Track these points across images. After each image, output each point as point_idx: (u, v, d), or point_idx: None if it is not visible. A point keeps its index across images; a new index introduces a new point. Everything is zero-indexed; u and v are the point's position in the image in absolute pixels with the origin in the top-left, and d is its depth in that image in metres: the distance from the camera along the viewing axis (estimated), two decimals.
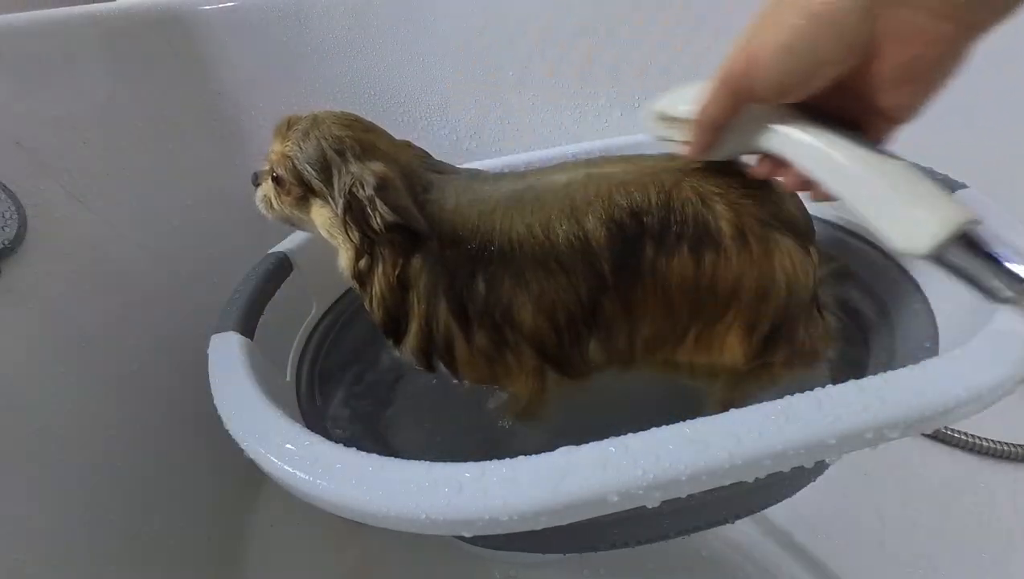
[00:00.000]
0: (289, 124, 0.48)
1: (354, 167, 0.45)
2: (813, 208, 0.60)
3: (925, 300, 0.48)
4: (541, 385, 0.48)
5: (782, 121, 0.34)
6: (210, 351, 0.44)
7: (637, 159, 0.47)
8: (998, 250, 0.28)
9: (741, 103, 0.33)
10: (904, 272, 0.51)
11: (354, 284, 0.49)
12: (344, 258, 0.49)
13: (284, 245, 0.59)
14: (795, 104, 0.33)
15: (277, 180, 0.49)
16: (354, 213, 0.45)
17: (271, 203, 0.51)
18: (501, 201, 0.45)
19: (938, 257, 0.29)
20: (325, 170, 0.46)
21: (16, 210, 0.53)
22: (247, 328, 0.47)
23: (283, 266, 0.56)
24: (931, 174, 0.46)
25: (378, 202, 0.43)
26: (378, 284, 0.47)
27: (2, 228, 0.52)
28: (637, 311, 0.44)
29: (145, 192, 0.67)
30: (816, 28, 0.29)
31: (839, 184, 0.32)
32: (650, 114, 0.42)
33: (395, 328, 0.49)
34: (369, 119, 0.50)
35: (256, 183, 0.52)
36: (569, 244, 0.43)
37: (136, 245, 0.65)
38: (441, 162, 0.50)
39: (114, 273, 0.62)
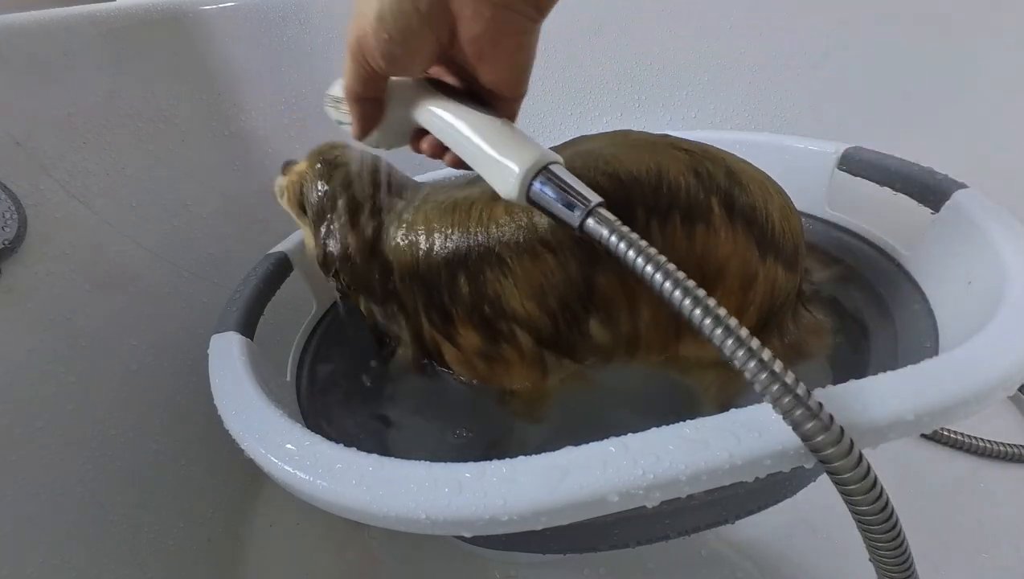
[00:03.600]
0: (321, 153, 0.53)
1: (334, 237, 0.50)
2: (811, 210, 0.61)
3: (925, 300, 0.48)
4: (542, 374, 0.47)
5: (422, 95, 0.36)
6: (210, 351, 0.44)
7: (620, 135, 0.46)
8: (572, 184, 0.31)
9: (370, 73, 0.33)
10: (904, 272, 0.51)
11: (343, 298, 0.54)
12: (329, 278, 0.53)
13: (284, 245, 0.59)
14: (438, 83, 0.36)
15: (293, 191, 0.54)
16: (324, 267, 0.52)
17: (283, 194, 0.56)
18: (479, 197, 0.45)
19: (528, 199, 0.32)
20: (319, 215, 0.51)
21: (16, 210, 0.53)
22: (247, 328, 0.47)
23: (283, 266, 0.56)
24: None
25: (339, 274, 0.50)
26: (364, 305, 0.51)
27: (2, 228, 0.52)
28: (635, 288, 0.42)
29: (145, 192, 0.67)
30: (398, 1, 0.29)
31: (455, 144, 0.35)
32: (327, 100, 0.42)
33: (388, 340, 0.51)
34: None
35: (283, 172, 0.56)
36: (553, 223, 0.41)
37: (136, 245, 0.65)
38: (412, 181, 0.54)
39: (114, 273, 0.62)
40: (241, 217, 0.75)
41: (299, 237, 0.59)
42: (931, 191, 0.49)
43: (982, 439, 0.65)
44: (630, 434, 0.30)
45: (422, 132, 0.38)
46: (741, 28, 0.79)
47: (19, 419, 0.49)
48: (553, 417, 0.49)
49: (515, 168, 0.31)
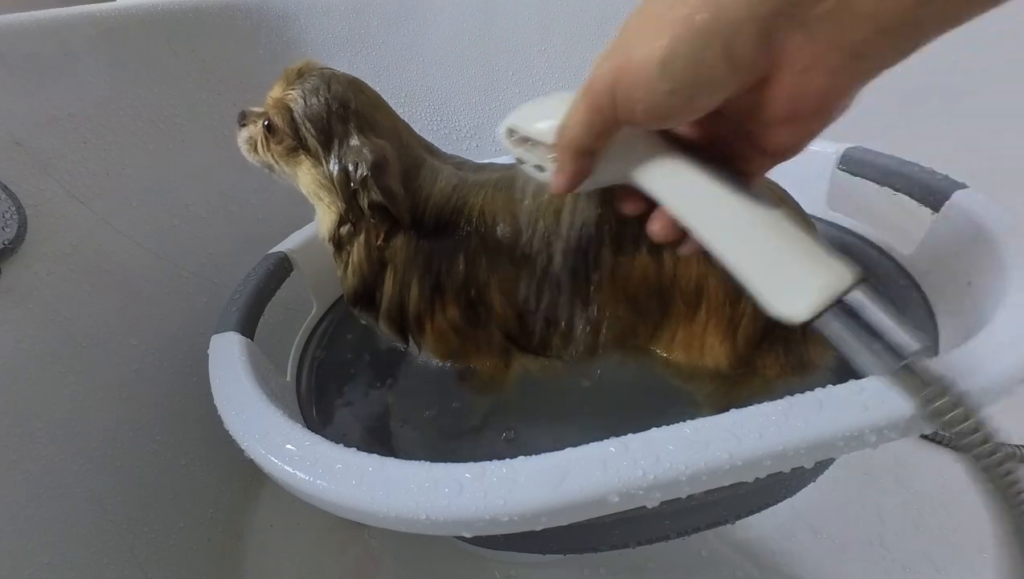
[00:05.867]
0: (299, 72, 0.47)
1: (355, 140, 0.45)
2: (811, 211, 0.60)
3: (925, 300, 0.48)
4: (506, 364, 0.49)
5: (654, 152, 0.28)
6: (210, 351, 0.44)
7: None
8: (882, 319, 0.24)
9: (610, 126, 0.27)
10: (904, 272, 0.51)
11: (329, 246, 0.50)
12: (326, 220, 0.49)
13: (284, 245, 0.59)
14: (669, 134, 0.29)
15: (269, 127, 0.48)
16: (346, 186, 0.45)
17: (255, 147, 0.50)
18: (487, 185, 0.46)
19: (816, 325, 0.25)
20: (325, 132, 0.45)
21: (16, 210, 0.53)
22: (247, 328, 0.47)
23: (283, 266, 0.56)
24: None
25: (371, 183, 0.44)
26: (357, 253, 0.48)
27: (2, 228, 0.52)
28: (599, 312, 0.46)
29: (145, 192, 0.67)
30: (701, 43, 0.23)
31: (710, 234, 0.28)
32: (504, 132, 0.34)
33: (367, 298, 0.50)
34: None
35: (242, 123, 0.51)
36: (540, 236, 0.44)
37: (136, 245, 0.65)
38: (432, 145, 0.51)
39: (114, 273, 0.62)
40: (241, 217, 0.75)
41: (299, 237, 0.59)
42: (931, 191, 0.49)
43: None
44: (630, 434, 0.30)
45: (639, 195, 0.30)
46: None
47: (19, 419, 0.49)
48: (552, 416, 0.49)
49: (808, 289, 0.24)
